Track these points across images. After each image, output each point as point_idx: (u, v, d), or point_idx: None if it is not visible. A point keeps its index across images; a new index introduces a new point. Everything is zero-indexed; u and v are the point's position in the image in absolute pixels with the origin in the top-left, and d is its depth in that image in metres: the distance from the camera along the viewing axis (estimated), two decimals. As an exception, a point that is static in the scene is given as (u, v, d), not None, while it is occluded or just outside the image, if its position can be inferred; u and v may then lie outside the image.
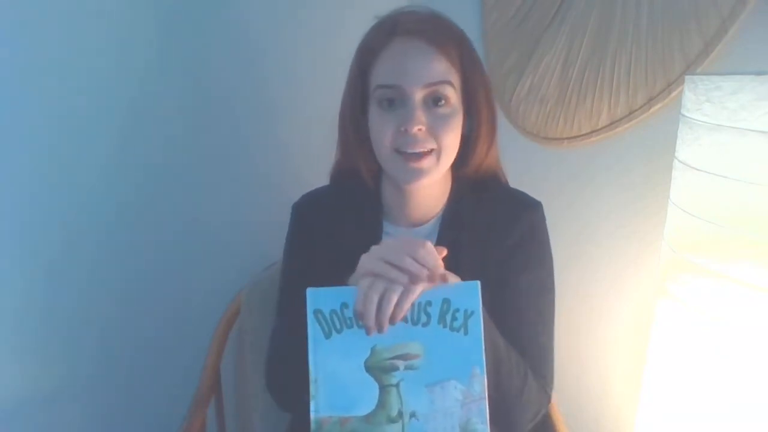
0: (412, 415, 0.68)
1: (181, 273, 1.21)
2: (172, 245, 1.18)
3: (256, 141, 1.29)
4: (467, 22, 1.34)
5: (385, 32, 0.82)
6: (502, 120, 1.29)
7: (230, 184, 1.26)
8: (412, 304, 0.69)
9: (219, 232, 1.25)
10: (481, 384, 0.68)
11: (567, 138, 1.18)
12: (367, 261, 0.71)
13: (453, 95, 0.81)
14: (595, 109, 1.12)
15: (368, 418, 0.69)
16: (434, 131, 0.80)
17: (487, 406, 0.68)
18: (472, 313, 0.69)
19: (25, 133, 0.96)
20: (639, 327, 1.08)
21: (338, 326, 0.69)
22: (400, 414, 0.68)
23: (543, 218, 0.90)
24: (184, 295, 1.22)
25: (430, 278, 0.69)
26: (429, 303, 0.69)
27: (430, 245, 0.71)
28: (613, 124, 1.10)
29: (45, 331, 1.03)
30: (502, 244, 0.87)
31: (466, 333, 0.69)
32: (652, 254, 1.05)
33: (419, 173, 0.81)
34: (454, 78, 0.81)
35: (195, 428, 1.04)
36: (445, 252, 0.73)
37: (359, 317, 0.69)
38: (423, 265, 0.69)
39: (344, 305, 0.69)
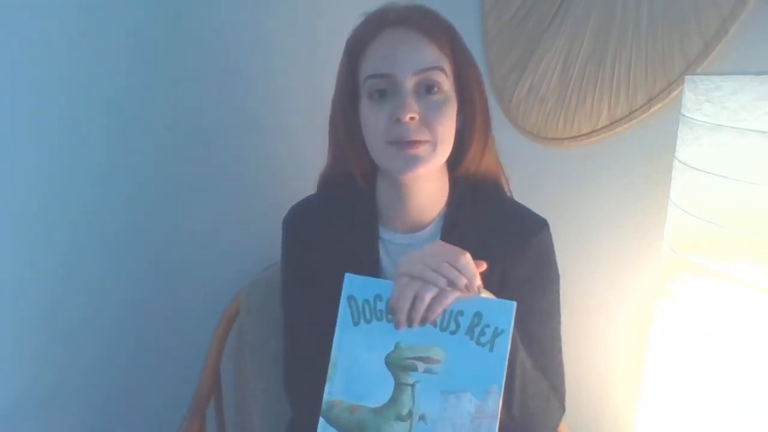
0: (422, 417, 0.68)
1: (181, 273, 1.21)
2: (172, 246, 1.18)
3: (256, 141, 1.29)
4: (467, 22, 1.35)
5: (374, 24, 0.81)
6: (502, 120, 1.29)
7: (230, 184, 1.26)
8: (444, 310, 0.69)
9: (218, 233, 1.25)
10: (495, 402, 0.68)
11: (567, 138, 1.18)
12: (405, 262, 0.72)
13: (446, 82, 0.79)
14: (595, 109, 1.12)
15: (378, 411, 0.69)
16: (428, 121, 0.77)
17: (497, 425, 0.67)
18: (502, 332, 0.68)
19: (28, 138, 0.97)
20: (639, 327, 1.08)
21: (368, 316, 0.70)
22: (410, 414, 0.69)
23: (550, 239, 0.88)
24: (184, 296, 1.22)
25: (467, 288, 0.69)
26: (461, 312, 0.69)
27: (469, 256, 0.70)
28: (613, 124, 1.09)
29: (45, 331, 1.03)
30: (509, 267, 0.84)
31: (491, 350, 0.68)
32: (652, 254, 1.05)
33: (415, 161, 0.77)
34: (446, 65, 0.79)
35: (195, 428, 1.04)
36: (484, 266, 0.72)
37: (392, 311, 0.69)
38: (461, 273, 0.69)
39: (378, 297, 0.70)
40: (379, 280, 0.71)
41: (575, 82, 1.15)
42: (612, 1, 1.07)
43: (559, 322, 0.88)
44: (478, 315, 0.69)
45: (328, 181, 0.92)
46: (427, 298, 0.68)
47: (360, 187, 0.88)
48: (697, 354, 0.79)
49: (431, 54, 0.78)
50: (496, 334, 0.68)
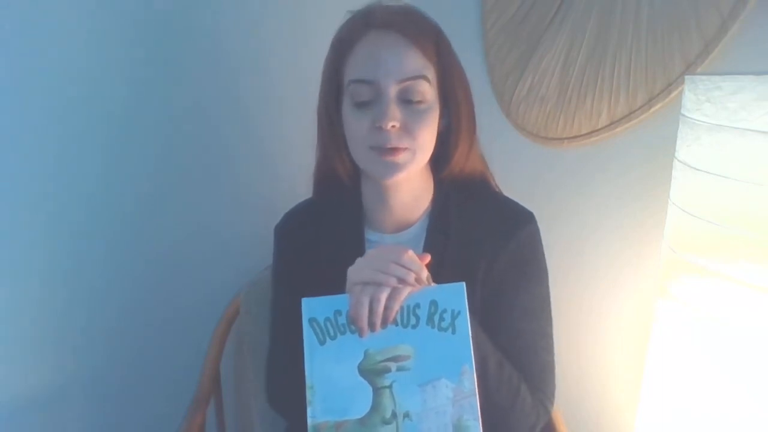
0: (406, 415, 0.70)
1: (181, 274, 1.21)
2: (172, 247, 1.19)
3: (256, 141, 1.29)
4: (467, 22, 1.35)
5: (360, 25, 0.80)
6: (502, 120, 1.29)
7: (230, 184, 1.26)
8: (401, 307, 0.71)
9: (218, 233, 1.25)
10: (470, 381, 0.70)
11: (567, 138, 1.18)
12: (354, 271, 0.74)
13: (429, 90, 0.79)
14: (595, 109, 1.12)
15: (363, 421, 0.70)
16: (409, 128, 0.78)
17: (478, 402, 0.70)
18: (459, 313, 0.71)
19: (27, 140, 0.96)
20: (639, 327, 1.08)
21: (332, 333, 0.72)
22: (394, 415, 0.70)
23: (537, 231, 0.88)
24: (183, 296, 1.22)
25: (417, 281, 0.72)
26: (417, 305, 0.72)
27: (411, 252, 0.73)
28: (612, 124, 1.09)
29: (45, 333, 1.03)
30: (493, 259, 0.84)
31: (453, 332, 0.71)
32: (652, 254, 1.05)
33: (395, 167, 0.79)
34: (430, 72, 0.79)
35: (195, 428, 1.04)
36: (428, 258, 0.75)
37: (352, 320, 0.71)
38: (408, 269, 0.71)
39: (337, 313, 0.72)
40: (335, 296, 0.73)
41: (575, 82, 1.15)
42: (612, 1, 1.07)
43: (547, 320, 0.87)
44: (433, 303, 0.71)
45: (320, 182, 0.92)
46: (383, 299, 0.70)
47: (347, 188, 0.88)
48: (697, 354, 0.79)
49: (415, 62, 0.78)
50: (454, 316, 0.71)
